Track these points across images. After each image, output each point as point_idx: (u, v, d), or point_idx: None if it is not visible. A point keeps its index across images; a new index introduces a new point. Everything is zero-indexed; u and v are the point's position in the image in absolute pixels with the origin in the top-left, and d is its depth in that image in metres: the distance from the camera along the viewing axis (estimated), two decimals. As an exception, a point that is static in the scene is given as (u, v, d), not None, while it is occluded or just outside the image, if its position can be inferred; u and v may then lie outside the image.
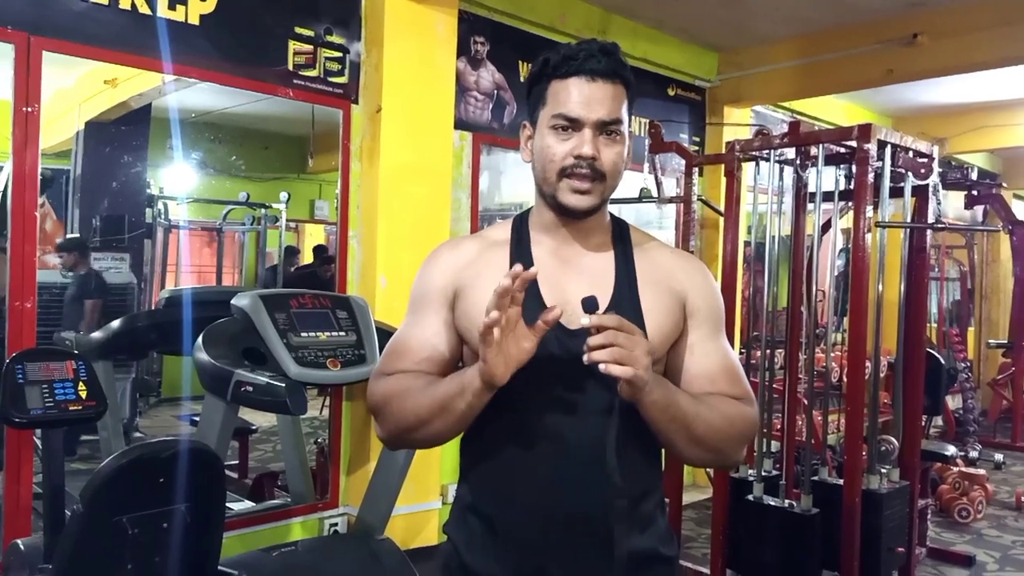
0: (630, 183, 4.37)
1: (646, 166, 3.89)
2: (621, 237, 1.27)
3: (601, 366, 1.01)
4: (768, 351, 3.20)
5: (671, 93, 4.99)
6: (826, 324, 4.05)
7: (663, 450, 1.23)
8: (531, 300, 1.18)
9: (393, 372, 1.24)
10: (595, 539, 1.15)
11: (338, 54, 3.37)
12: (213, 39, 3.00)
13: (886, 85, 4.91)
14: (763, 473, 3.06)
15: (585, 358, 1.02)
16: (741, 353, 3.40)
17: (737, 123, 5.04)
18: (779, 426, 3.33)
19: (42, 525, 2.14)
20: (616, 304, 1.19)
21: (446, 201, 3.57)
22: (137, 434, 4.38)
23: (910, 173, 3.16)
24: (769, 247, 3.19)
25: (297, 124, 5.19)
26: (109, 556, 1.74)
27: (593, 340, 1.02)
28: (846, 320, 3.28)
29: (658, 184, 3.88)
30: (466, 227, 3.85)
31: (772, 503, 2.96)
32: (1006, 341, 6.83)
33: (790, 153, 3.14)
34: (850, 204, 3.04)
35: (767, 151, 3.12)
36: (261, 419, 4.22)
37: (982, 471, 4.84)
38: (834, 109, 5.98)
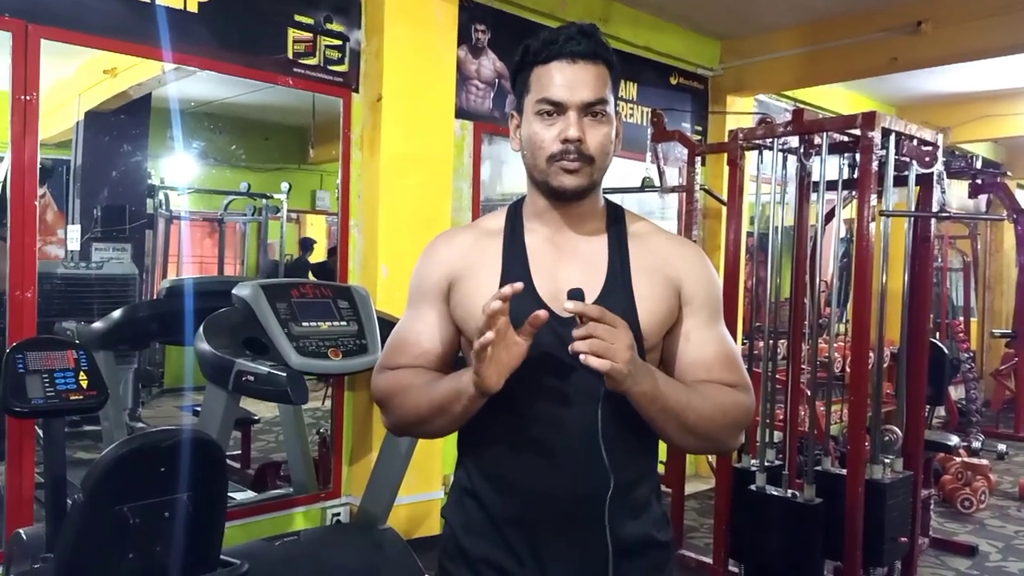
0: (632, 172, 4.37)
1: (648, 155, 3.87)
2: (616, 223, 1.27)
3: (581, 357, 1.02)
4: (771, 341, 3.19)
5: (673, 82, 4.96)
6: (829, 314, 4.04)
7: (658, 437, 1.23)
8: (524, 289, 1.19)
9: (394, 366, 1.27)
10: (589, 523, 1.16)
11: (338, 42, 3.35)
12: (212, 27, 2.98)
13: (890, 73, 4.88)
14: (766, 463, 3.05)
15: (570, 347, 1.04)
16: (744, 344, 3.40)
17: (740, 112, 5.01)
18: (782, 416, 3.32)
19: (44, 515, 2.14)
20: (609, 290, 1.19)
21: (447, 190, 3.55)
22: (139, 424, 4.38)
23: (914, 162, 3.14)
24: (772, 237, 3.17)
25: (298, 114, 5.17)
26: (111, 545, 1.74)
27: (577, 331, 1.04)
28: (849, 310, 3.27)
29: (660, 173, 3.87)
30: (468, 217, 3.84)
31: (775, 493, 2.95)
32: (1009, 331, 6.82)
33: (793, 142, 3.12)
34: (854, 193, 3.02)
35: (770, 140, 3.10)
36: (264, 409, 4.22)
37: (985, 461, 4.84)
38: (838, 98, 5.95)
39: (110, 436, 3.16)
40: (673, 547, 1.30)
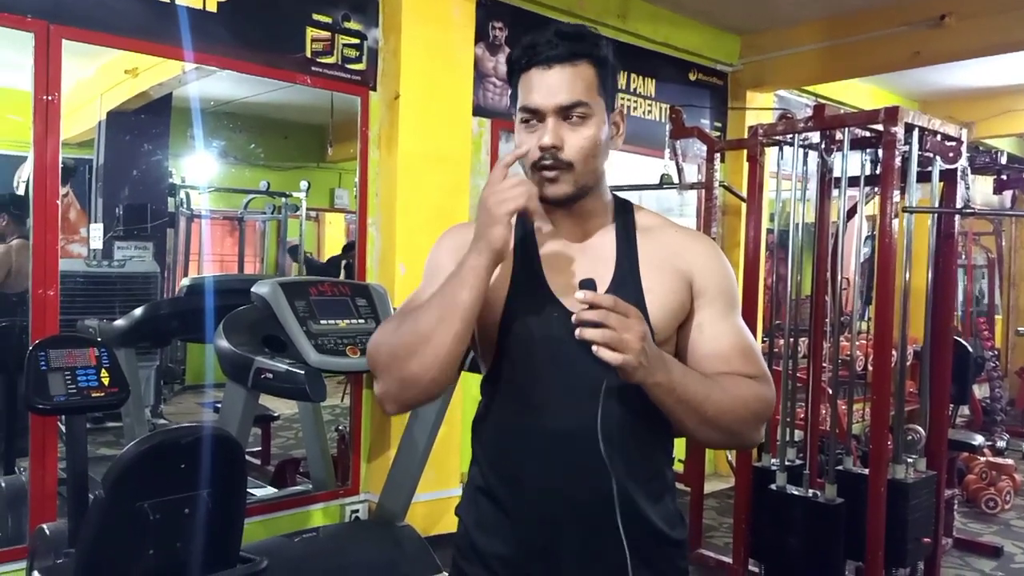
0: (651, 169, 4.34)
1: (667, 152, 3.84)
2: (624, 218, 1.26)
3: (592, 347, 1.01)
4: (791, 339, 3.16)
5: (692, 78, 4.92)
6: (851, 312, 4.00)
7: (673, 434, 1.21)
8: (534, 282, 1.20)
9: None
10: (601, 520, 1.15)
11: (356, 41, 3.35)
12: (231, 26, 2.99)
13: (913, 68, 4.82)
14: (786, 462, 3.02)
15: (577, 332, 1.02)
16: (763, 341, 3.37)
17: (760, 107, 4.97)
18: (802, 415, 3.29)
19: (67, 510, 2.16)
20: (617, 284, 1.18)
21: (464, 188, 3.55)
22: (161, 420, 4.42)
23: (938, 157, 3.09)
24: (793, 234, 3.14)
25: (316, 113, 5.20)
26: (131, 541, 1.75)
27: (584, 314, 1.01)
28: (871, 308, 3.22)
29: (679, 170, 3.84)
30: (485, 215, 3.83)
31: (796, 492, 2.93)
32: (1036, 329, 6.71)
33: (814, 138, 3.08)
34: (876, 189, 2.98)
35: (791, 136, 3.07)
36: (283, 406, 4.24)
37: (1010, 461, 4.77)
38: (859, 93, 5.87)
39: (131, 432, 3.20)
40: (688, 545, 1.28)
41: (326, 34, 3.26)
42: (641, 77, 4.60)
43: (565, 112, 1.15)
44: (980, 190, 6.42)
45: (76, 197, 4.64)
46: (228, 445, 1.95)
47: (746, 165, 3.30)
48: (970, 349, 4.17)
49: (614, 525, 1.14)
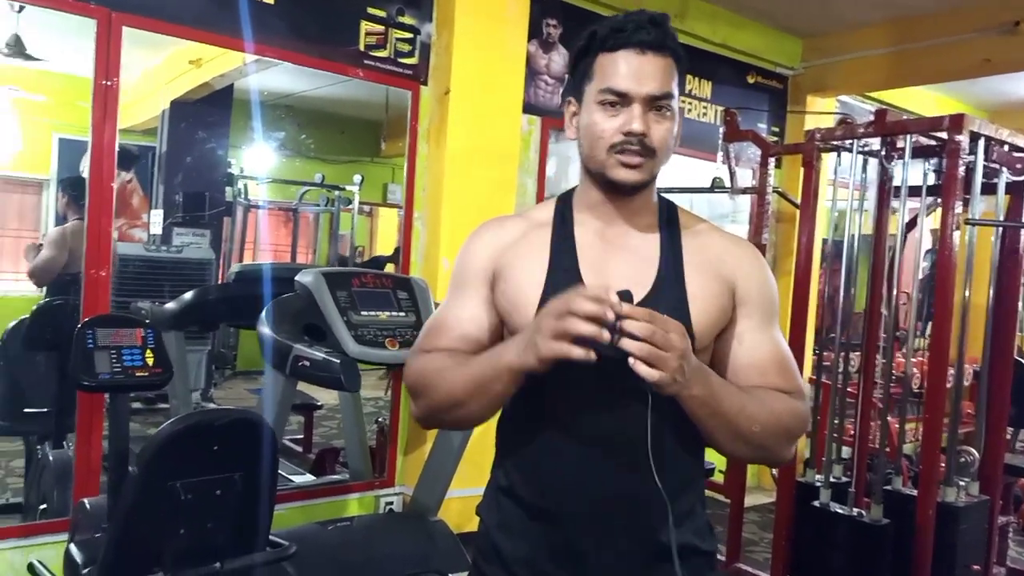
0: (702, 172, 4.27)
1: (719, 155, 3.77)
2: (669, 219, 1.22)
3: (629, 360, 0.97)
4: (843, 353, 3.06)
5: (751, 80, 4.82)
6: (907, 327, 3.86)
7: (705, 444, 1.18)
8: (571, 282, 1.16)
9: (430, 349, 1.23)
10: (629, 528, 1.13)
11: (408, 35, 3.37)
12: (287, 18, 3.03)
13: (983, 76, 4.62)
14: (831, 479, 2.93)
15: (616, 342, 0.98)
16: (815, 354, 3.27)
17: (820, 111, 4.83)
18: (851, 431, 3.19)
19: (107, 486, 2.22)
20: (660, 287, 1.15)
21: (511, 186, 3.53)
22: (210, 404, 4.52)
23: (1005, 168, 2.96)
24: (848, 244, 3.04)
25: (371, 108, 5.26)
26: (163, 520, 1.78)
27: (625, 325, 0.97)
28: (930, 325, 3.10)
29: (731, 174, 3.76)
30: (532, 213, 3.81)
31: (840, 511, 2.84)
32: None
33: (875, 144, 2.98)
34: (938, 200, 2.87)
35: (850, 141, 2.97)
36: (327, 396, 4.29)
37: (1073, 490, 4.55)
38: (926, 101, 5.67)
39: (177, 414, 3.27)
40: (715, 556, 1.25)
41: (380, 28, 3.29)
42: (697, 79, 4.52)
43: (654, 101, 1.12)
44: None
45: (139, 183, 4.78)
46: (262, 430, 1.96)
47: (802, 171, 3.21)
48: (1033, 371, 3.98)
49: (642, 533, 1.12)
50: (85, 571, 1.99)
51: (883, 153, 2.98)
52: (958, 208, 2.70)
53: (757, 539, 4.08)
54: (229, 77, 4.45)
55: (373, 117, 5.75)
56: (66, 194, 3.98)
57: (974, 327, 3.08)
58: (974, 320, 3.06)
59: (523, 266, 1.19)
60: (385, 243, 6.64)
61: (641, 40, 1.12)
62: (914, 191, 2.98)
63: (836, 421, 3.04)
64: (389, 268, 4.40)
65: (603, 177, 1.16)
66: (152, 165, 4.90)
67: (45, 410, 3.29)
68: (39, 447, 3.28)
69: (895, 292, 3.09)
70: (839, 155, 3.08)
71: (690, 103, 4.50)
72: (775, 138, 4.92)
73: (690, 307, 1.15)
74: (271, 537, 2.05)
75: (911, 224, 3.27)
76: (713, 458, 2.26)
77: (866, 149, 3.00)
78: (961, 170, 2.69)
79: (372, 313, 2.64)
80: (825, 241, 4.33)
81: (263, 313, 2.59)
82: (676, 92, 1.15)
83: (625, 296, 1.01)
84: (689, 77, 4.50)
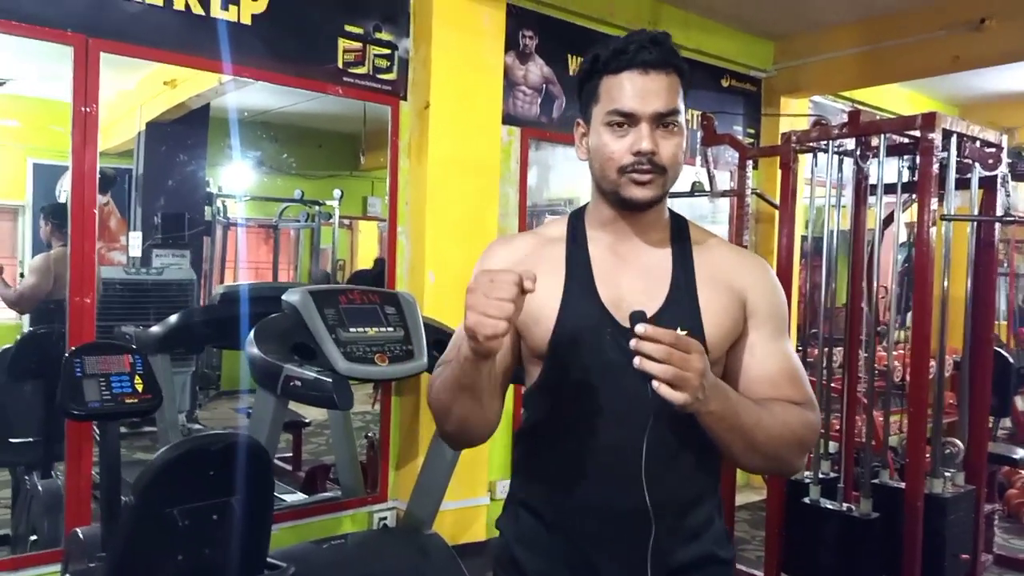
0: (682, 177, 4.30)
1: (698, 159, 3.81)
2: (680, 234, 1.24)
3: (653, 382, 0.98)
4: (826, 349, 3.10)
5: (725, 84, 4.88)
6: (888, 321, 3.92)
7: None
8: (587, 296, 1.18)
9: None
10: (638, 542, 1.13)
11: (387, 51, 3.38)
12: (265, 38, 3.03)
13: (952, 73, 4.70)
14: (820, 475, 2.97)
15: (636, 362, 0.98)
16: (798, 350, 3.31)
17: (794, 114, 4.90)
18: (837, 427, 3.23)
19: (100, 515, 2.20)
20: (673, 300, 1.17)
21: (494, 197, 3.55)
22: (196, 425, 4.49)
23: (977, 164, 3.02)
24: (827, 242, 3.09)
25: (349, 122, 5.25)
26: (160, 547, 1.78)
27: (645, 347, 0.97)
28: (909, 317, 3.15)
29: (711, 178, 3.80)
30: (514, 223, 3.83)
31: (830, 506, 2.87)
32: (1082, 339, 6.51)
33: (849, 144, 3.03)
34: (913, 197, 2.92)
35: (825, 142, 3.02)
36: (314, 413, 4.28)
37: (1055, 475, 4.63)
38: (897, 98, 5.77)
39: (165, 437, 3.24)
40: (734, 565, 1.27)
41: (358, 45, 3.30)
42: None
43: (660, 119, 1.14)
44: (1022, 197, 6.26)
45: (116, 206, 4.74)
46: (256, 452, 1.96)
47: (779, 172, 3.26)
48: (1011, 360, 4.06)
49: (659, 545, 1.14)
50: (83, 602, 1.98)
51: (858, 152, 3.03)
52: (933, 204, 2.75)
53: (749, 537, 4.11)
54: (205, 97, 4.43)
55: (351, 130, 5.74)
56: (49, 221, 3.96)
57: (953, 319, 3.13)
58: (953, 312, 3.11)
59: (539, 281, 1.19)
60: (366, 256, 6.63)
61: (644, 60, 1.14)
62: (890, 188, 3.03)
63: (822, 417, 3.08)
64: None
65: (616, 196, 1.18)
66: (129, 187, 4.86)
67: (31, 439, 3.25)
68: (26, 477, 3.24)
69: (875, 286, 3.14)
70: (815, 156, 3.13)
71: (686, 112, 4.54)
72: (751, 140, 4.98)
73: (703, 320, 1.17)
74: (269, 559, 2.05)
75: (888, 220, 3.32)
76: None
77: (841, 149, 3.05)
78: (935, 167, 2.74)
79: (360, 329, 2.65)
80: (804, 238, 4.39)
81: (251, 334, 2.58)
82: (682, 107, 1.17)
83: (639, 316, 1.01)
84: (664, 82, 4.54)
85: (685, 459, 1.16)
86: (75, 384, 2.04)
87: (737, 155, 3.71)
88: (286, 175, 6.25)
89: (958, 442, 3.12)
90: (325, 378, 2.28)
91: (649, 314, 1.09)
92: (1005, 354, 4.02)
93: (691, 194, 3.85)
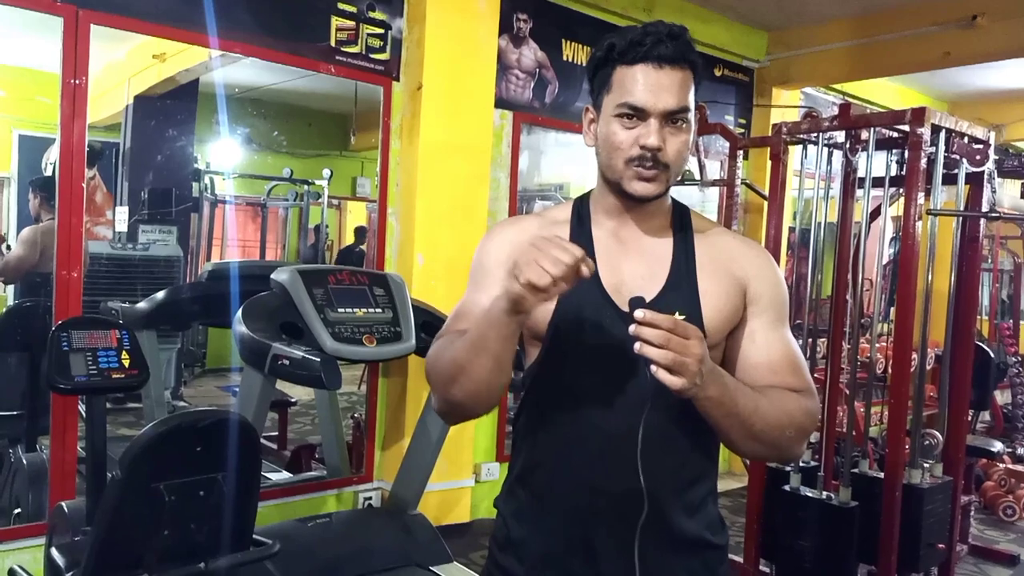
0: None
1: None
2: (682, 221, 1.25)
3: (652, 367, 0.99)
4: (810, 340, 3.14)
5: (718, 73, 4.88)
6: (872, 314, 3.96)
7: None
8: (589, 282, 1.16)
9: (449, 333, 1.24)
10: (640, 519, 1.15)
11: (380, 30, 3.36)
12: (257, 14, 3.01)
13: (943, 68, 4.74)
14: (801, 464, 3.01)
15: (636, 347, 0.99)
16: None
17: (786, 105, 4.92)
18: (819, 416, 3.27)
19: (85, 488, 2.20)
20: (673, 285, 1.18)
21: (485, 180, 3.55)
22: (181, 403, 4.48)
23: (964, 160, 3.04)
24: (815, 233, 3.11)
25: (340, 101, 5.21)
26: (146, 522, 1.77)
27: (644, 332, 0.98)
28: (893, 311, 3.19)
29: (701, 167, 3.82)
30: (504, 207, 3.83)
31: (810, 494, 2.91)
32: (1061, 336, 6.61)
33: (839, 137, 3.05)
34: (901, 191, 2.94)
35: (815, 134, 3.03)
36: (301, 392, 4.28)
37: (1030, 469, 4.71)
38: (888, 92, 5.80)
39: (151, 414, 3.24)
40: (727, 550, 1.27)
41: (351, 23, 3.28)
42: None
43: (670, 116, 1.14)
44: (1008, 193, 6.32)
45: (103, 180, 4.70)
46: (244, 430, 1.96)
47: (769, 163, 3.27)
48: (992, 354, 4.12)
49: (654, 525, 1.15)
50: (68, 574, 1.98)
51: (847, 145, 3.04)
52: (920, 199, 2.78)
53: (729, 523, 4.09)
54: (194, 72, 4.39)
55: (341, 110, 5.70)
56: (37, 194, 3.92)
57: (936, 313, 3.17)
58: (936, 306, 3.14)
59: None
60: (353, 237, 6.61)
61: (660, 54, 1.13)
62: (878, 181, 3.05)
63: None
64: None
65: (619, 187, 1.19)
66: (116, 161, 4.82)
67: (16, 413, 3.24)
68: (10, 450, 3.23)
69: (860, 279, 3.17)
70: (805, 147, 3.14)
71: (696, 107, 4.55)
72: (741, 130, 5.00)
73: (702, 305, 1.18)
74: (255, 536, 2.05)
75: (875, 213, 3.35)
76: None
77: (831, 142, 3.07)
78: (923, 161, 2.76)
79: (349, 310, 2.65)
80: (792, 229, 4.42)
81: (239, 312, 2.58)
82: (692, 105, 1.17)
83: (638, 302, 1.02)
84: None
85: (682, 442, 1.18)
86: (62, 358, 2.03)
87: (728, 145, 3.73)
88: (275, 153, 6.21)
89: (937, 434, 3.16)
90: (313, 357, 2.28)
91: (648, 298, 1.10)
92: (986, 348, 4.07)
93: (681, 182, 3.85)
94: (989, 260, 6.57)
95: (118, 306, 3.43)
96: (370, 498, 3.38)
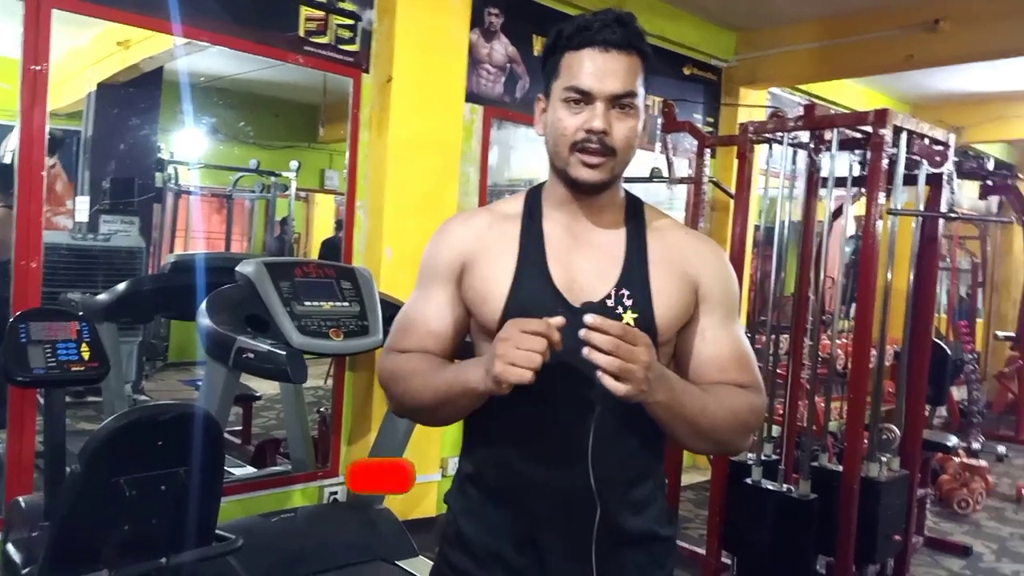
0: (641, 162, 4.35)
1: (658, 146, 3.85)
2: (635, 215, 1.25)
3: (597, 372, 0.99)
4: (773, 336, 3.18)
5: (687, 72, 4.92)
6: (833, 311, 4.03)
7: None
8: (539, 276, 1.18)
9: (401, 349, 1.25)
10: (588, 516, 1.15)
11: (350, 21, 3.33)
12: (223, 2, 2.97)
13: (906, 71, 4.83)
14: (763, 457, 3.05)
15: (584, 352, 0.99)
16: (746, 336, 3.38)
17: (753, 104, 4.98)
18: (781, 411, 3.32)
19: (43, 483, 2.16)
20: (625, 282, 1.18)
21: (454, 174, 3.54)
22: (143, 396, 4.41)
23: (925, 161, 3.11)
24: (779, 231, 3.16)
25: (309, 92, 5.16)
26: (106, 516, 1.75)
27: (593, 338, 0.98)
28: (854, 308, 3.24)
29: (669, 164, 3.85)
30: (474, 201, 3.83)
31: (770, 487, 2.96)
32: (1013, 333, 6.79)
33: (804, 136, 3.10)
34: (863, 190, 3.00)
35: (781, 134, 3.08)
36: (265, 386, 4.24)
37: (983, 463, 4.83)
38: (852, 94, 5.90)
39: (111, 407, 3.19)
40: (675, 542, 1.29)
41: (320, 14, 3.24)
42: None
43: (617, 100, 1.14)
44: (967, 195, 6.47)
45: (64, 168, 4.60)
46: (206, 424, 1.94)
47: (736, 161, 3.31)
48: (948, 351, 4.21)
49: (601, 523, 1.15)
50: (25, 571, 1.94)
51: (812, 145, 3.09)
52: (881, 199, 2.83)
53: (692, 516, 4.22)
54: (159, 60, 4.32)
55: (310, 101, 5.65)
56: (-8, 182, 3.82)
57: (895, 311, 3.24)
58: (895, 304, 3.21)
59: (492, 259, 1.20)
60: (323, 229, 6.55)
61: (606, 39, 1.13)
62: (840, 181, 3.11)
63: (767, 401, 3.16)
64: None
65: (565, 175, 1.18)
66: (77, 150, 4.72)
67: (-30, 406, 3.16)
68: (-35, 444, 3.16)
69: (822, 277, 3.22)
70: (771, 147, 3.19)
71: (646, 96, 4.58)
72: (709, 128, 5.05)
73: (653, 302, 1.17)
74: (217, 532, 2.03)
75: (837, 212, 3.41)
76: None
77: (796, 141, 3.11)
78: (884, 162, 2.81)
79: (315, 303, 2.63)
80: (757, 227, 4.47)
81: (203, 304, 2.55)
82: (641, 91, 1.17)
83: (589, 307, 1.02)
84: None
85: (630, 440, 1.18)
86: (20, 350, 1.99)
87: (696, 143, 3.76)
88: (242, 144, 6.13)
89: (895, 428, 3.23)
90: (279, 351, 2.27)
91: (600, 295, 1.10)
92: (943, 346, 4.16)
93: (650, 180, 3.90)
94: (947, 259, 6.72)
95: (78, 297, 3.37)
96: (335, 493, 3.37)
